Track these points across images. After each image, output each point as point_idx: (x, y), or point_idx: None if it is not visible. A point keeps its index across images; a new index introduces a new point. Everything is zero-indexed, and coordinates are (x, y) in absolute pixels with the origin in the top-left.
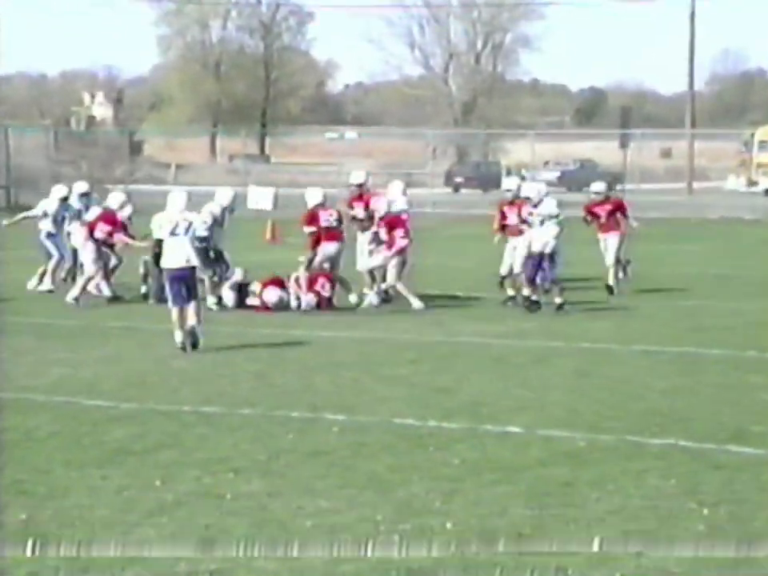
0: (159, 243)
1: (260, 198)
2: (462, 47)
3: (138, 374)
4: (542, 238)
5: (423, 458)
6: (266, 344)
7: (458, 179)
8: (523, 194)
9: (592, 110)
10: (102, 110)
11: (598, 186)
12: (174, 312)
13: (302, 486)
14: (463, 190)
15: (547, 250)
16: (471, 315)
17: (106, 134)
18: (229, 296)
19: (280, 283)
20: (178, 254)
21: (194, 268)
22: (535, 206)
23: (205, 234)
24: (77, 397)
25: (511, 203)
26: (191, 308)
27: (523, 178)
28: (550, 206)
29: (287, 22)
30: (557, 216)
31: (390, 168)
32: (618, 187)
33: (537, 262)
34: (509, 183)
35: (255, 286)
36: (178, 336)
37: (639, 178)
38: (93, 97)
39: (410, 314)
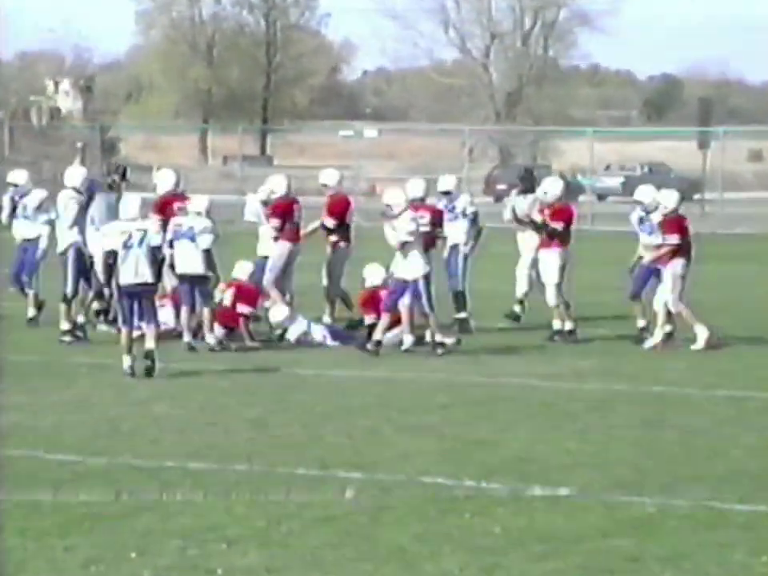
0: (112, 255)
1: (260, 209)
2: (505, 26)
3: (109, 422)
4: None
5: (457, 525)
6: (265, 385)
7: (501, 186)
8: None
9: (664, 102)
10: (68, 100)
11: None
12: (124, 333)
13: (309, 560)
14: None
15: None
16: (516, 351)
17: (73, 129)
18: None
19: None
20: (132, 269)
21: (150, 284)
22: (649, 212)
23: (159, 243)
24: (35, 450)
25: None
26: (148, 330)
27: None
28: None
29: None
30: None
31: (417, 172)
32: (696, 196)
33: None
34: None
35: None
36: (127, 361)
37: (723, 185)
38: (57, 84)
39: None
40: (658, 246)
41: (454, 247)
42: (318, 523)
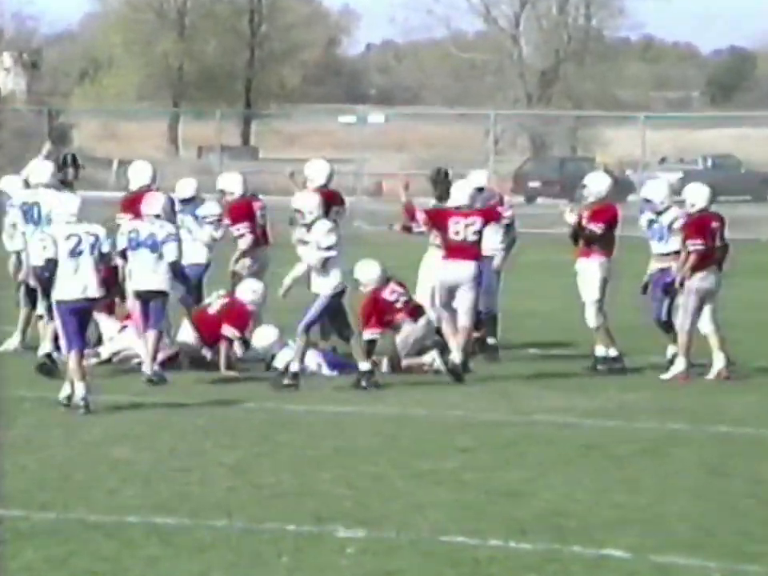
0: (51, 265)
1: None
2: None
3: (58, 469)
4: None
5: None
6: (248, 423)
7: (533, 183)
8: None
9: (732, 81)
10: (9, 78)
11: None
12: (73, 358)
13: None
14: (540, 199)
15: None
16: (552, 383)
17: (15, 114)
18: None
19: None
20: (81, 281)
21: (93, 300)
22: (660, 212)
23: (108, 249)
24: None
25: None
26: (76, 353)
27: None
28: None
29: None
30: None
31: (430, 165)
32: None
33: None
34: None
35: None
36: (66, 390)
37: None
38: None
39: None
40: (679, 254)
41: (486, 259)
42: None
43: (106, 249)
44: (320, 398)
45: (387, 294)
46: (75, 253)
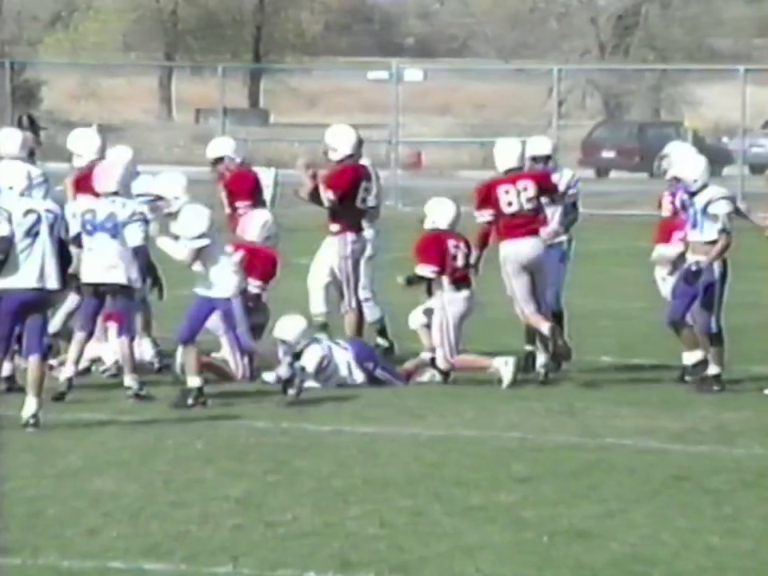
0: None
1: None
2: None
3: (29, 503)
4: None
5: None
6: (258, 446)
7: (606, 153)
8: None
9: None
10: None
11: None
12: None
13: None
14: (614, 173)
15: None
16: (630, 399)
17: None
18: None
19: None
20: (36, 268)
21: (50, 292)
22: (693, 193)
23: (77, 231)
24: None
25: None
26: (33, 361)
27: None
28: None
29: None
30: None
31: (480, 131)
32: None
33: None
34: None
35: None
36: (32, 406)
37: None
38: None
39: (518, 397)
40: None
41: (549, 247)
42: None
43: (73, 231)
44: (347, 415)
45: (451, 243)
46: (32, 233)
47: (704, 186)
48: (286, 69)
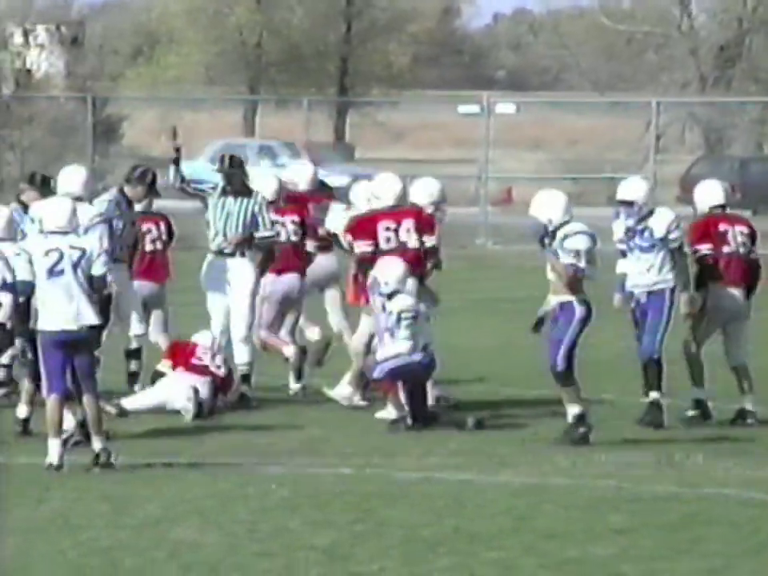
0: (26, 289)
1: (336, 222)
2: None
3: (105, 554)
4: None
5: None
6: (344, 494)
7: None
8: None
9: None
10: (45, 58)
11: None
12: (53, 404)
13: None
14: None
15: None
16: (734, 448)
17: (52, 102)
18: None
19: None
20: (63, 308)
21: (91, 329)
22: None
23: (104, 270)
24: None
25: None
26: (89, 404)
27: None
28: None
29: None
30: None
31: (573, 167)
32: None
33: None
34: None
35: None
36: (54, 448)
37: None
38: (27, 34)
39: (615, 445)
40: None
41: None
42: None
43: (98, 270)
44: (436, 462)
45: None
46: (54, 272)
47: (651, 212)
48: (372, 102)
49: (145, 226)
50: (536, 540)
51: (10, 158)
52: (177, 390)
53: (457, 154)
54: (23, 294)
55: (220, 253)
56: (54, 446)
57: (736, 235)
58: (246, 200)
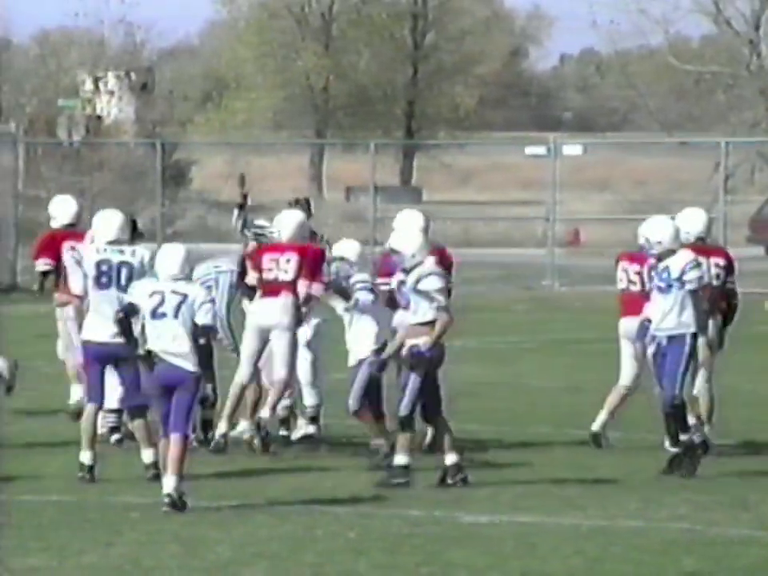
0: (129, 310)
1: None
2: None
3: None
4: None
5: None
6: (412, 537)
7: None
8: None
9: None
10: (115, 104)
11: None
12: (165, 445)
13: None
14: None
15: None
16: None
17: (122, 148)
18: None
19: None
20: (166, 347)
21: (190, 373)
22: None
23: (208, 321)
24: None
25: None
26: (174, 440)
27: None
28: None
29: None
30: None
31: (641, 207)
32: None
33: None
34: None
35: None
36: (169, 483)
37: None
38: (97, 81)
39: (686, 486)
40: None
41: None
42: None
43: (203, 319)
44: (504, 504)
45: None
46: (156, 315)
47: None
48: (439, 144)
49: None
50: None
51: (81, 205)
52: None
53: (524, 196)
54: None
55: None
56: (169, 483)
57: (710, 266)
58: None
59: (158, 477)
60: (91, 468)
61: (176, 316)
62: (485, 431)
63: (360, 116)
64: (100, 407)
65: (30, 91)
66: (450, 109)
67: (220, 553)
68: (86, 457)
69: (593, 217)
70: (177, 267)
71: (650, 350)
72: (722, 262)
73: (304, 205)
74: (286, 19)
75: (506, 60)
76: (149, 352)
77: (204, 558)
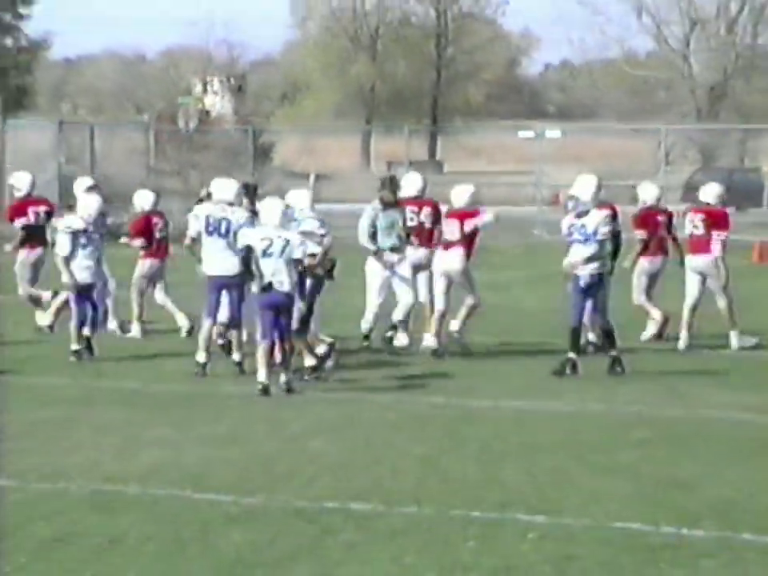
0: (248, 250)
1: None
2: (708, 11)
3: (263, 459)
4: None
5: None
6: (434, 418)
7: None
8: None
9: None
10: (218, 101)
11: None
12: (264, 348)
13: None
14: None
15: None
16: (724, 381)
17: (223, 134)
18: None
19: None
20: (273, 278)
21: (287, 295)
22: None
23: (301, 256)
24: (180, 489)
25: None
26: (281, 344)
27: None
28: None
29: None
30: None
31: (606, 177)
32: None
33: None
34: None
35: None
36: (262, 375)
37: None
38: (206, 84)
39: (635, 379)
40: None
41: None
42: (496, 573)
43: (296, 254)
44: (503, 394)
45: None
46: (267, 254)
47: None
48: (456, 129)
49: None
50: (578, 450)
51: (193, 176)
52: None
53: (519, 167)
54: None
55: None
56: (261, 375)
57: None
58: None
59: (243, 371)
60: (204, 365)
61: (281, 255)
62: (490, 341)
63: (398, 108)
64: (214, 322)
65: (158, 92)
66: (464, 103)
67: (294, 428)
68: (200, 357)
69: (569, 184)
70: (277, 218)
71: (571, 285)
72: (609, 213)
73: (393, 181)
74: (343, 38)
75: (505, 67)
76: (269, 283)
77: (282, 432)
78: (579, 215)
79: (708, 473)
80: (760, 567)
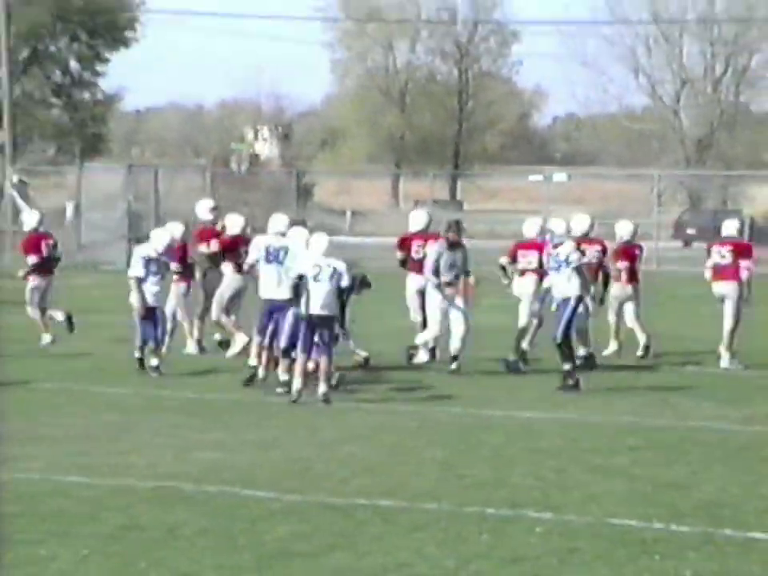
0: (300, 278)
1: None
2: (696, 72)
3: (302, 461)
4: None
5: (646, 568)
6: (453, 425)
7: (690, 231)
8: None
9: None
10: (266, 147)
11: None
12: (300, 361)
13: None
14: (696, 244)
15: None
16: (709, 395)
17: (270, 175)
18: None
19: None
20: (320, 300)
21: (331, 317)
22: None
23: (347, 284)
24: (230, 487)
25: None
26: (323, 362)
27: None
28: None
29: (487, 43)
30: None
31: (606, 216)
32: None
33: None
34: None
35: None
36: (297, 384)
37: None
38: (256, 132)
39: (629, 392)
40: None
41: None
42: (507, 564)
43: (344, 283)
44: (514, 404)
45: None
46: (317, 279)
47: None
48: (474, 173)
49: None
50: (579, 454)
51: (244, 211)
52: None
53: (528, 207)
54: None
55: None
56: (297, 383)
57: (593, 252)
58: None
59: (290, 390)
60: (253, 377)
61: (330, 281)
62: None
63: (424, 154)
64: (262, 340)
65: (214, 139)
66: (482, 150)
67: (330, 434)
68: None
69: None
70: (324, 249)
71: (553, 306)
72: (599, 248)
73: (459, 224)
74: (376, 93)
75: (518, 119)
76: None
77: (321, 436)
78: (555, 246)
79: (694, 475)
80: (738, 560)
